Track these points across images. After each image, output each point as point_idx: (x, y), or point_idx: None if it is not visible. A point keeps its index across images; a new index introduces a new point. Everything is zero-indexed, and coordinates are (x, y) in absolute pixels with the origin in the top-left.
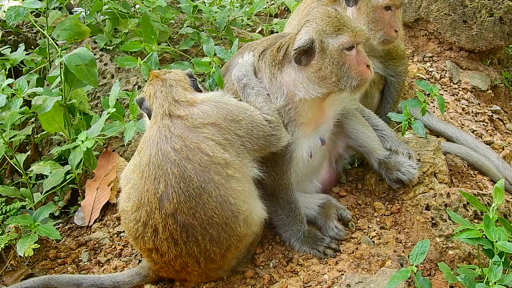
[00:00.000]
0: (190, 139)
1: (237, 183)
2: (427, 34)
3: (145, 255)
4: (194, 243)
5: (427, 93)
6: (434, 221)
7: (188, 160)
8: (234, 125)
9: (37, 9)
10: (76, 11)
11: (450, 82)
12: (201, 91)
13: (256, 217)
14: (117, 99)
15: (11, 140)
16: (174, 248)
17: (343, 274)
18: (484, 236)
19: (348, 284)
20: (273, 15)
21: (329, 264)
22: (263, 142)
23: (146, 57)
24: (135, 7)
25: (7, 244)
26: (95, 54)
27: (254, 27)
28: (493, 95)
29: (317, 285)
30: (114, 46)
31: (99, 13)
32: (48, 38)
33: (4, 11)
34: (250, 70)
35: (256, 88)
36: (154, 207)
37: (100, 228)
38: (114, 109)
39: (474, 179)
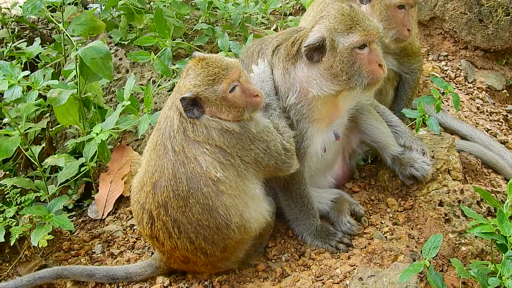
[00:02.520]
0: (189, 148)
1: (229, 199)
2: (443, 33)
3: (150, 243)
4: (188, 240)
5: (442, 91)
6: (447, 217)
7: (183, 164)
8: (241, 153)
9: (53, 4)
10: (91, 7)
11: (465, 81)
12: (197, 118)
13: (253, 225)
14: (132, 93)
15: (26, 132)
16: (169, 240)
17: (355, 269)
18: (497, 231)
19: (360, 278)
20: (288, 14)
21: (341, 259)
22: (272, 169)
23: (160, 52)
24: (150, 3)
25: (21, 235)
26: (110, 49)
27: (269, 25)
28: (508, 95)
29: (329, 279)
30: (129, 41)
31: (114, 9)
32: (63, 33)
33: (21, 6)
34: (272, 87)
35: (278, 109)
36: (148, 191)
37: (114, 221)
38: (129, 102)
39: (488, 177)
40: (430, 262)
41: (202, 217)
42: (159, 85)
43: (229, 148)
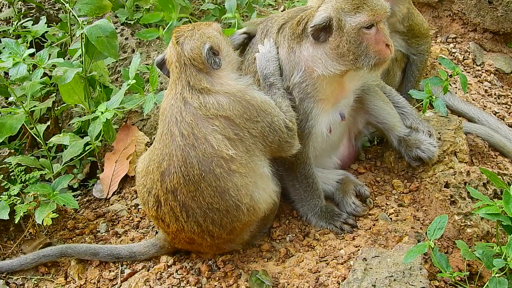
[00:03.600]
0: (199, 128)
1: (240, 178)
2: (451, 14)
3: (155, 224)
4: (195, 223)
5: (450, 72)
6: (453, 199)
7: (193, 147)
8: (249, 124)
9: None
10: None
11: (473, 64)
12: (219, 67)
13: (262, 205)
14: (138, 73)
15: (32, 110)
16: (176, 223)
17: (360, 249)
18: (503, 213)
19: (364, 258)
20: None
21: (346, 240)
22: (276, 147)
23: (167, 27)
24: None
25: (26, 213)
26: (116, 28)
27: (276, 7)
28: None
29: (333, 259)
30: (135, 20)
31: None
32: (69, 12)
33: None
34: (277, 67)
35: (281, 89)
36: (156, 179)
37: (118, 201)
38: (134, 81)
39: (495, 160)
40: (434, 243)
41: (213, 200)
42: None
43: (237, 118)
